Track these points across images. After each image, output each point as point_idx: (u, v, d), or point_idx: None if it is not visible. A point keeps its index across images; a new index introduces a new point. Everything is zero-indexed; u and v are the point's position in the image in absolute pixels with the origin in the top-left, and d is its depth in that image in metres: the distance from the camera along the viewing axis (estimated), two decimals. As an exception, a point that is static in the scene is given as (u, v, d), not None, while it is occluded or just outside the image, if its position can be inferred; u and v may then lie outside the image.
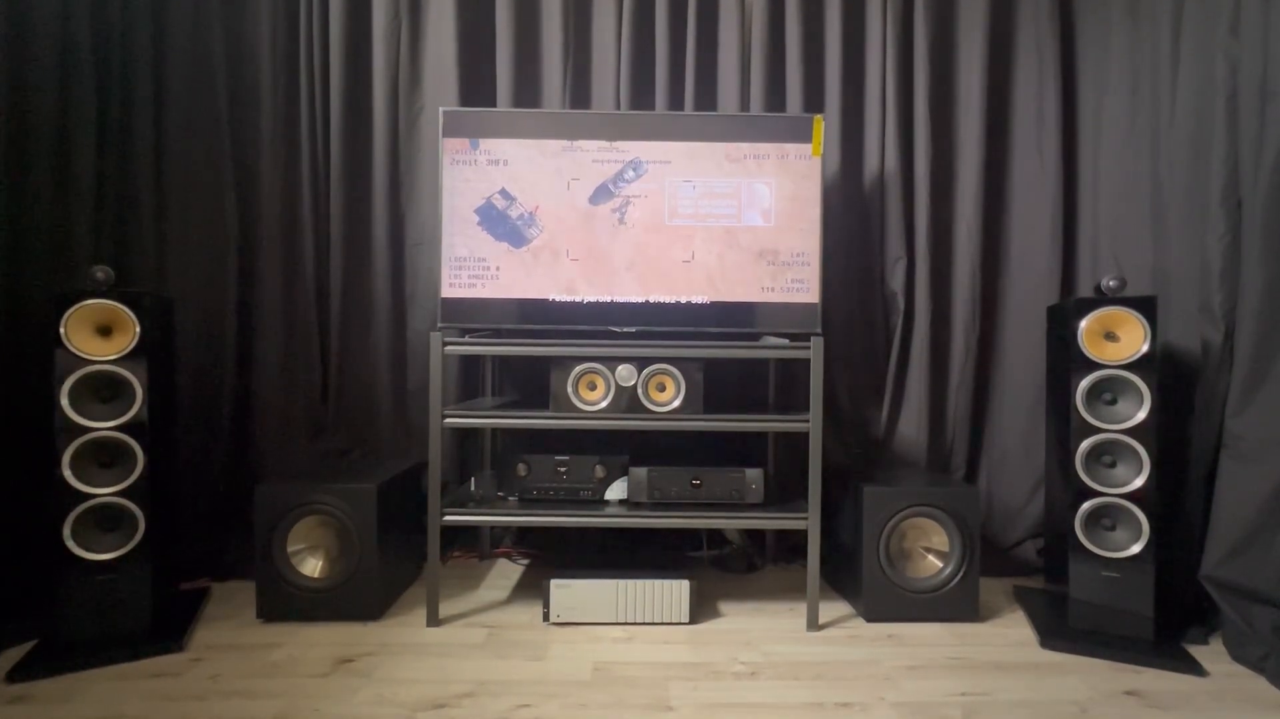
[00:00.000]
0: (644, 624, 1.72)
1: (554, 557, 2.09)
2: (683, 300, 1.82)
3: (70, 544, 1.51)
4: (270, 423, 2.11)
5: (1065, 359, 1.68)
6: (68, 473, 1.50)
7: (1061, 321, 1.76)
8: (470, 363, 2.20)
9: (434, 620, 1.72)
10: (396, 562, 1.87)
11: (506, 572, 2.10)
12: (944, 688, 1.45)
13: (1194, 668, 1.51)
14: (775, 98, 2.16)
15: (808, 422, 1.71)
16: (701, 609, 1.80)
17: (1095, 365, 1.62)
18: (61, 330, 1.51)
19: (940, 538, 1.76)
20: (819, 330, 1.78)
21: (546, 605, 1.72)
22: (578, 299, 1.82)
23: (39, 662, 1.48)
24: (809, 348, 1.71)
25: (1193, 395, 1.74)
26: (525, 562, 2.17)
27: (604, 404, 1.73)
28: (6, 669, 1.44)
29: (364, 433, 2.19)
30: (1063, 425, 1.71)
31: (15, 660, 1.48)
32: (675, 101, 2.16)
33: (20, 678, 1.42)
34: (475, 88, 2.17)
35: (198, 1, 2.05)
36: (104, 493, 1.53)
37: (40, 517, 1.57)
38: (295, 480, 1.77)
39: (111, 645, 1.53)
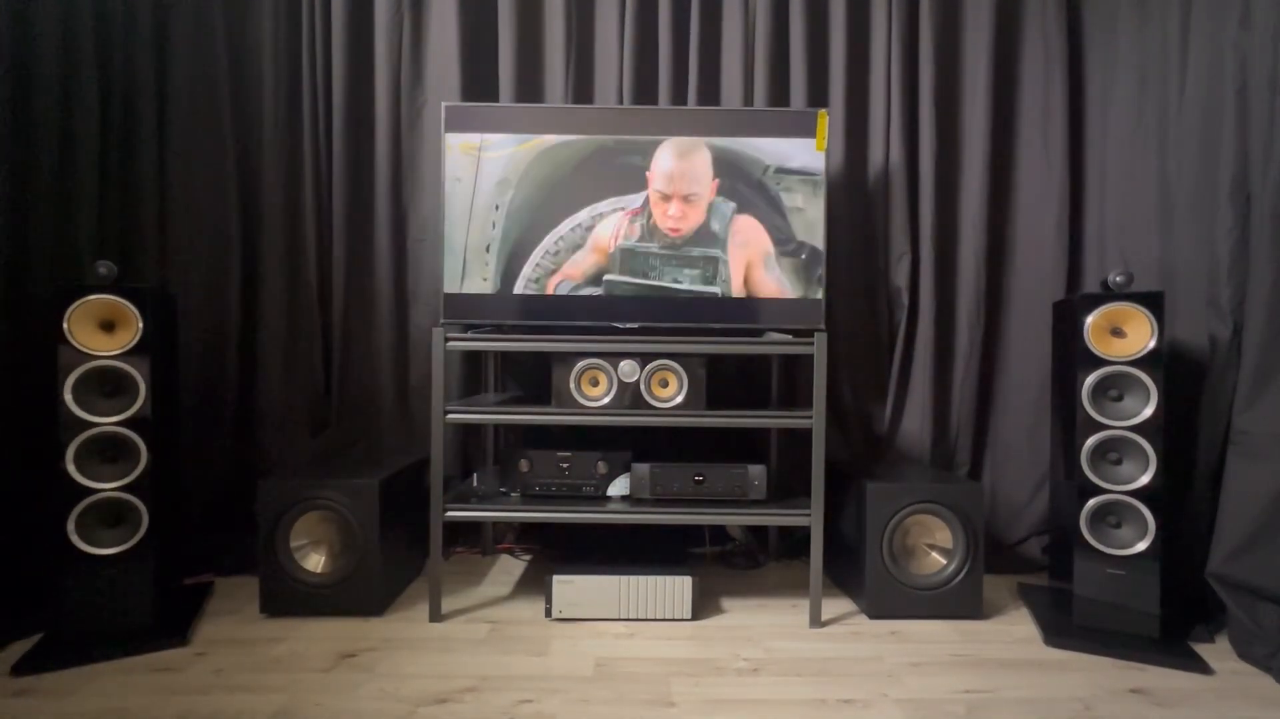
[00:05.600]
0: (646, 620, 1.72)
1: (556, 552, 2.09)
2: (685, 296, 1.81)
3: (74, 539, 1.52)
4: (273, 418, 2.11)
5: (1071, 355, 1.67)
6: (71, 468, 1.51)
7: (1067, 317, 1.74)
8: (472, 358, 2.20)
9: (436, 616, 1.72)
10: (399, 557, 1.87)
11: (509, 567, 2.11)
12: (947, 685, 1.45)
13: (1200, 666, 1.50)
14: (779, 92, 2.15)
15: (811, 418, 1.70)
16: (704, 605, 1.80)
17: (1101, 361, 1.61)
18: (65, 326, 1.51)
19: (944, 535, 1.75)
20: (822, 326, 1.77)
21: (549, 601, 1.72)
22: (580, 294, 1.81)
23: (44, 655, 1.48)
24: (812, 344, 1.70)
25: (1200, 391, 1.72)
26: (527, 557, 2.17)
27: (606, 400, 1.72)
28: (11, 663, 1.45)
29: (366, 428, 2.19)
30: (1068, 422, 1.70)
31: (20, 654, 1.49)
32: (679, 96, 2.15)
33: (25, 671, 1.43)
34: (478, 83, 2.17)
35: (200, -3, 2.06)
36: (108, 488, 1.54)
37: (44, 512, 1.57)
38: (298, 476, 1.77)
39: (115, 640, 1.53)
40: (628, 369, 1.72)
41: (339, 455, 2.14)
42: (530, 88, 2.17)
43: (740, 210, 1.80)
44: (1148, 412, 1.58)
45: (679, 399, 1.72)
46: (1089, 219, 2.13)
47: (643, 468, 1.78)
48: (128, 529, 1.56)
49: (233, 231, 2.08)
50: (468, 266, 1.80)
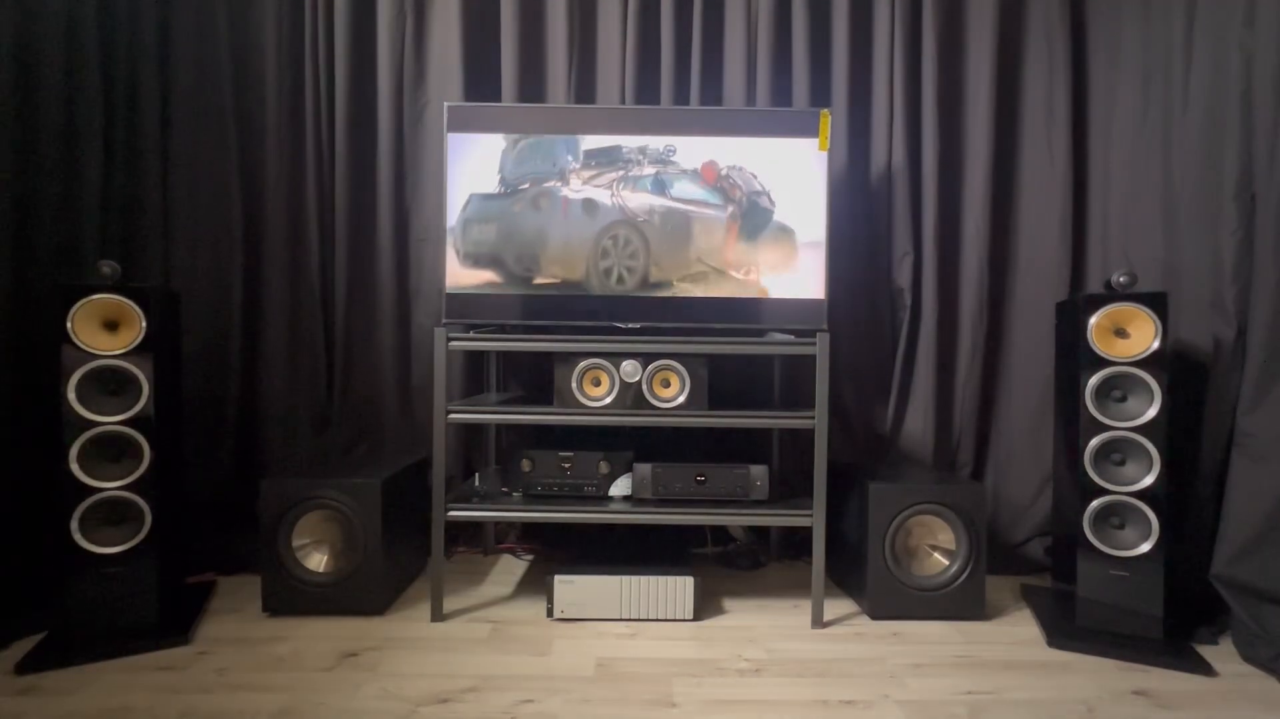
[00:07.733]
0: (648, 620, 1.72)
1: (558, 552, 2.09)
2: (687, 296, 1.81)
3: (78, 538, 1.52)
4: (275, 417, 2.12)
5: (1074, 356, 1.67)
6: (75, 467, 1.51)
7: (1071, 318, 1.74)
8: (474, 358, 2.20)
9: (438, 615, 1.72)
10: (401, 556, 1.87)
11: (510, 567, 2.11)
12: (950, 686, 1.45)
13: (1203, 668, 1.50)
14: (781, 92, 2.14)
15: (813, 418, 1.70)
16: (705, 606, 1.80)
17: (1105, 362, 1.61)
18: (68, 325, 1.52)
19: (947, 535, 1.75)
20: (825, 327, 1.77)
21: (550, 601, 1.72)
22: (582, 294, 1.81)
23: (47, 654, 1.49)
24: (814, 344, 1.70)
25: (1204, 392, 1.72)
26: (529, 557, 2.17)
27: (608, 400, 1.72)
28: (15, 661, 1.45)
29: (369, 428, 2.19)
30: (1071, 423, 1.70)
31: (24, 652, 1.49)
32: (681, 96, 2.15)
33: (29, 669, 1.44)
34: (480, 82, 2.17)
35: (203, -3, 2.06)
36: (111, 487, 1.54)
37: (48, 511, 1.58)
38: (300, 475, 1.78)
39: (118, 638, 1.54)
40: (629, 369, 1.72)
41: (341, 455, 2.14)
42: (532, 87, 2.17)
43: (744, 206, 1.80)
44: (1151, 412, 1.57)
45: (681, 399, 1.72)
46: (1092, 219, 2.12)
47: (644, 468, 1.78)
48: (130, 528, 1.56)
49: (236, 231, 2.09)
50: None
